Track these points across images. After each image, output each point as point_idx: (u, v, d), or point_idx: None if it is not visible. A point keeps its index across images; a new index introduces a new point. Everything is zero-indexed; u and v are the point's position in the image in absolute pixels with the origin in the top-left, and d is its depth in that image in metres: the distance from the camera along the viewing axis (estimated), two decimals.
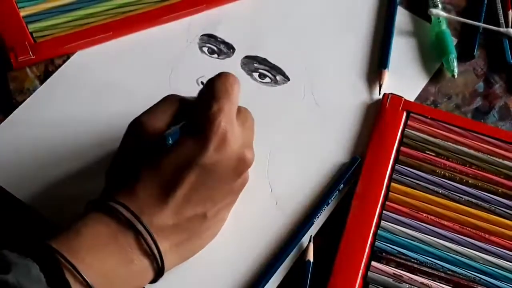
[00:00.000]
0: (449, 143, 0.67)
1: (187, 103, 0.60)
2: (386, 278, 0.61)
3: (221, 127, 0.56)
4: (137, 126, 0.58)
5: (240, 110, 0.60)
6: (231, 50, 0.73)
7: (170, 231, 0.56)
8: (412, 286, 0.60)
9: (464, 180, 0.65)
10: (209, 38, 0.73)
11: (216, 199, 0.58)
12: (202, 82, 0.70)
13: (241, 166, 0.58)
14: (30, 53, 0.70)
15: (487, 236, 0.63)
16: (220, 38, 0.73)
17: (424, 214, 0.64)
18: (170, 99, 0.60)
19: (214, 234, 0.61)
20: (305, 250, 0.62)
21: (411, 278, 0.61)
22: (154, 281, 0.58)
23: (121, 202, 0.55)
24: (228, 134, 0.56)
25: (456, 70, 0.71)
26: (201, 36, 0.73)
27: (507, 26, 0.74)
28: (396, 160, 0.66)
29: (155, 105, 0.60)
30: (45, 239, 0.53)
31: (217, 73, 0.59)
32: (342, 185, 0.65)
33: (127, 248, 0.55)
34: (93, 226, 0.54)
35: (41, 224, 0.62)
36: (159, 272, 0.57)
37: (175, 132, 0.57)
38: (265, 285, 0.60)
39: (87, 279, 0.52)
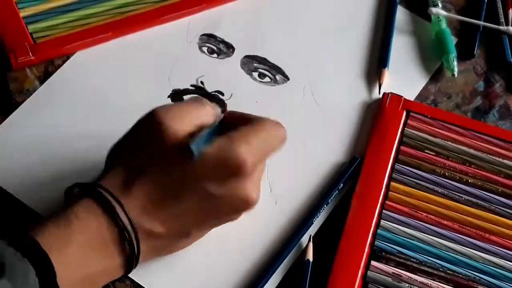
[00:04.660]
0: (449, 143, 0.67)
1: (225, 120, 0.57)
2: (385, 277, 0.60)
3: (255, 175, 0.56)
4: (158, 125, 0.55)
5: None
6: (231, 50, 0.73)
7: (154, 237, 0.56)
8: (412, 286, 0.60)
9: (464, 180, 0.65)
10: (208, 38, 0.73)
11: (205, 225, 0.58)
12: (202, 82, 0.70)
13: (244, 207, 0.57)
14: (30, 53, 0.70)
15: (487, 235, 0.63)
16: (219, 38, 0.73)
17: (424, 214, 0.64)
18: (205, 109, 0.57)
19: (190, 243, 0.60)
20: (305, 249, 0.62)
21: (411, 278, 0.60)
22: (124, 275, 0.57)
23: (117, 199, 0.54)
24: (255, 179, 0.56)
25: (456, 69, 0.71)
26: (200, 35, 0.73)
27: (507, 25, 0.74)
28: (396, 160, 0.66)
29: (184, 107, 0.57)
30: (28, 229, 0.53)
31: (278, 122, 0.58)
32: (341, 185, 0.65)
33: (109, 243, 0.54)
34: (83, 217, 0.54)
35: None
36: (130, 268, 0.56)
37: (201, 143, 0.53)
38: (264, 284, 0.60)
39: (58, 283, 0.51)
